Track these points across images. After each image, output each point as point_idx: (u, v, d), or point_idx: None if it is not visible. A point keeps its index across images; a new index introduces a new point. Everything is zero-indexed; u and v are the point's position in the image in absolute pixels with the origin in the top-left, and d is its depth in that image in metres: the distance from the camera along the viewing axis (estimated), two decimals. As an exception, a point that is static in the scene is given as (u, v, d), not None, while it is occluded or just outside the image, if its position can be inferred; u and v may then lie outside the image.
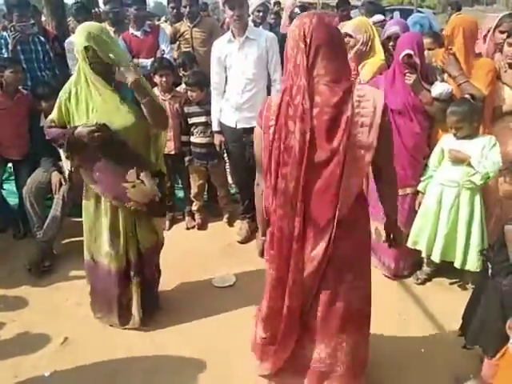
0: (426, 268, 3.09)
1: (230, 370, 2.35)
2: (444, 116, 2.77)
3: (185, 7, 4.48)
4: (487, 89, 2.81)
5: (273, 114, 1.71)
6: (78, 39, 2.31)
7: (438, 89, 2.86)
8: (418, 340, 2.57)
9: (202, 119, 3.68)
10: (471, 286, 2.84)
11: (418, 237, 2.95)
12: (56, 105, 2.49)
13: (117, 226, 2.54)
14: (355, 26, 3.14)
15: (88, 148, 2.36)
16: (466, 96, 2.79)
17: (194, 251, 3.55)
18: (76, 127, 2.36)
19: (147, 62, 4.07)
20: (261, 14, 4.58)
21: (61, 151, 2.56)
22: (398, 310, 2.81)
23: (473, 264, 2.73)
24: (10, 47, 3.94)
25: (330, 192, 1.69)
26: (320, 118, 1.63)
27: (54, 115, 2.50)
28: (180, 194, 4.18)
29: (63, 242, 3.67)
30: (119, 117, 2.38)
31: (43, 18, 5.24)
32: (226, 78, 3.44)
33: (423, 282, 3.08)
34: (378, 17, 4.34)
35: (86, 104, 2.38)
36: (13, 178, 4.01)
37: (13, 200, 3.95)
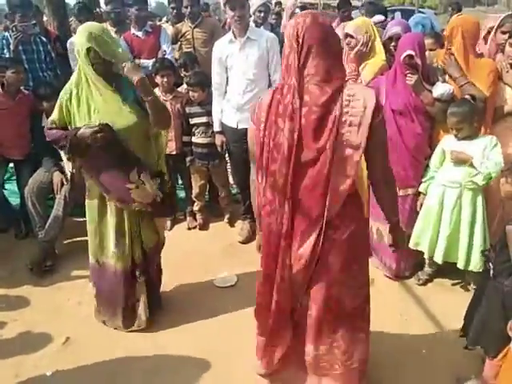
0: (427, 269, 3.09)
1: (231, 370, 2.35)
2: (445, 117, 2.77)
3: (186, 7, 4.48)
4: (489, 90, 2.81)
5: (264, 111, 1.74)
6: (79, 40, 2.32)
7: (440, 89, 2.86)
8: (419, 340, 2.57)
9: (204, 119, 3.68)
10: (473, 287, 2.84)
11: (419, 238, 2.95)
12: (56, 106, 2.47)
13: (122, 226, 2.54)
14: (356, 26, 3.14)
15: (90, 149, 2.36)
16: (466, 97, 2.80)
17: (195, 251, 3.55)
18: (78, 128, 2.35)
19: (148, 63, 4.07)
20: (262, 14, 4.58)
21: (62, 153, 2.55)
22: (399, 311, 2.81)
23: (476, 264, 2.73)
24: (11, 47, 3.95)
25: (318, 191, 1.70)
26: (308, 117, 1.65)
27: (54, 116, 2.48)
28: (181, 194, 4.18)
29: (65, 241, 3.67)
30: (121, 117, 2.38)
31: (45, 19, 5.25)
32: (227, 78, 3.45)
33: (424, 283, 3.08)
34: (379, 17, 4.34)
35: (88, 105, 2.38)
36: (14, 178, 4.02)
37: (14, 200, 3.96)
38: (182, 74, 3.92)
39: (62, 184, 3.39)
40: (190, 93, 3.66)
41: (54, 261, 3.39)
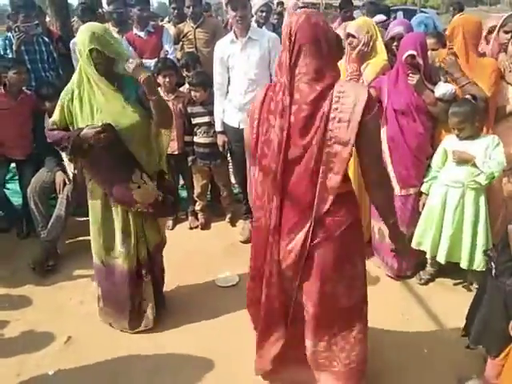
0: (429, 268, 3.08)
1: (232, 370, 2.35)
2: (447, 116, 2.77)
3: (188, 8, 4.49)
4: (490, 89, 2.81)
5: (257, 108, 1.78)
6: (81, 40, 2.31)
7: (442, 89, 2.85)
8: (420, 340, 2.56)
9: (206, 119, 3.69)
10: (475, 287, 2.84)
11: (422, 237, 2.95)
12: (57, 107, 2.46)
13: (128, 226, 2.53)
14: (358, 26, 3.14)
15: (93, 150, 2.36)
16: (467, 96, 2.80)
17: (197, 251, 3.56)
18: (81, 129, 2.35)
19: (151, 63, 4.07)
20: (264, 14, 4.58)
21: (63, 154, 2.55)
22: (400, 310, 2.81)
23: (479, 264, 2.73)
24: (14, 48, 3.96)
25: (306, 187, 1.72)
26: (298, 115, 1.67)
27: (55, 117, 2.47)
28: (183, 193, 4.19)
29: (67, 241, 3.68)
30: (124, 116, 2.39)
31: (47, 19, 5.26)
32: (229, 78, 3.45)
33: (426, 283, 3.07)
34: (380, 17, 4.33)
35: (90, 105, 2.38)
36: (17, 177, 4.03)
37: (17, 200, 3.97)
38: (183, 74, 3.93)
39: (65, 184, 3.40)
40: (192, 93, 3.67)
41: (56, 260, 3.40)
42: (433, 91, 2.88)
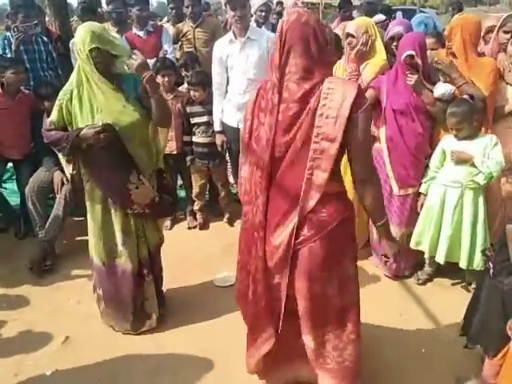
0: (427, 268, 3.08)
1: (232, 370, 2.35)
2: (446, 116, 2.77)
3: (187, 7, 4.49)
4: (488, 89, 2.81)
5: (249, 107, 1.81)
6: (81, 40, 2.29)
7: (441, 89, 2.85)
8: (418, 340, 2.56)
9: (204, 119, 3.69)
10: (473, 287, 2.83)
11: (420, 237, 2.94)
12: (55, 107, 2.44)
13: (128, 226, 2.52)
14: (357, 26, 3.13)
15: (92, 150, 2.35)
16: (465, 96, 2.80)
17: (195, 251, 3.55)
18: (80, 129, 2.33)
19: (150, 62, 4.07)
20: (263, 13, 4.59)
21: (60, 155, 2.53)
22: (398, 310, 2.81)
23: (478, 263, 2.72)
24: (13, 47, 3.95)
25: (292, 184, 1.72)
26: (286, 113, 1.68)
27: (53, 117, 2.45)
28: (182, 193, 4.18)
29: (65, 241, 3.68)
30: (125, 115, 2.38)
31: (46, 18, 5.26)
32: (228, 78, 3.45)
33: (424, 283, 3.07)
34: (379, 17, 4.33)
35: (91, 104, 2.37)
36: (14, 177, 4.03)
37: (14, 200, 3.97)
38: (182, 74, 3.93)
39: (63, 183, 3.40)
40: (191, 92, 3.66)
41: (54, 260, 3.40)
42: (432, 91, 2.88)
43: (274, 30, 4.70)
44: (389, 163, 2.99)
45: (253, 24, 4.12)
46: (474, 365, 2.30)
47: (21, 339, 2.66)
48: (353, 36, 3.12)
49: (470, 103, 2.72)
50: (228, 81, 3.46)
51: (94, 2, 5.25)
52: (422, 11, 10.83)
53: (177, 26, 4.62)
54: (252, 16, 4.34)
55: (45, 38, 4.27)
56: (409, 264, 3.14)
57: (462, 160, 2.72)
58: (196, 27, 4.45)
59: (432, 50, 3.15)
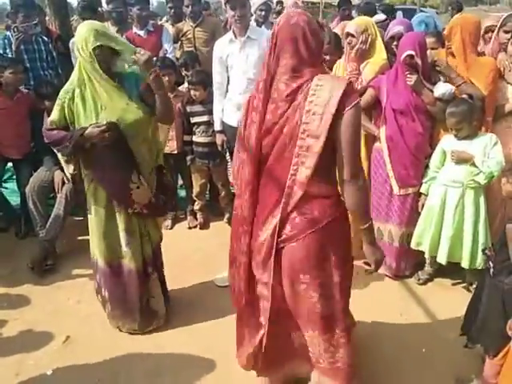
0: (427, 268, 3.08)
1: (232, 369, 2.34)
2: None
3: (187, 7, 4.49)
4: (488, 88, 2.82)
5: (244, 106, 1.84)
6: (84, 38, 2.27)
7: (441, 89, 2.85)
8: (419, 339, 2.56)
9: (204, 118, 3.68)
10: (473, 287, 2.83)
11: (421, 238, 2.94)
12: (56, 106, 2.42)
13: (131, 225, 2.52)
14: (357, 25, 3.13)
15: (95, 149, 2.35)
16: (464, 96, 2.80)
17: (195, 250, 3.56)
18: (84, 128, 2.32)
19: (150, 62, 4.07)
20: (263, 13, 4.57)
21: (59, 155, 2.53)
22: (399, 310, 2.81)
23: (481, 262, 2.72)
24: (13, 47, 3.95)
25: (278, 180, 1.73)
26: (275, 112, 1.69)
27: (54, 117, 2.43)
28: (182, 193, 4.19)
29: (66, 241, 3.67)
30: (129, 113, 2.38)
31: (46, 18, 5.25)
32: (228, 77, 3.45)
33: (425, 283, 3.08)
34: (379, 16, 4.33)
35: (94, 103, 2.36)
36: (15, 177, 4.03)
37: (15, 199, 3.97)
38: (182, 74, 3.92)
39: (63, 183, 3.40)
40: (192, 91, 3.66)
41: (55, 260, 3.40)
42: (432, 91, 2.88)
43: (274, 29, 4.69)
44: (389, 163, 2.99)
45: (253, 23, 4.11)
46: (475, 365, 2.30)
47: (21, 339, 2.67)
48: (352, 35, 3.11)
49: (469, 103, 2.72)
50: (228, 80, 3.46)
51: (94, 1, 5.25)
52: (422, 11, 10.83)
53: (177, 26, 4.62)
54: (252, 15, 4.33)
55: (45, 38, 4.26)
56: (409, 264, 3.15)
57: (463, 160, 2.72)
58: (196, 26, 4.45)
59: (432, 49, 3.15)
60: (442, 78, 2.95)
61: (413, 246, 2.99)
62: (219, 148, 3.65)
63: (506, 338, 1.84)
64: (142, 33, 4.31)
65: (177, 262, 3.20)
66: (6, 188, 4.26)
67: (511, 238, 1.90)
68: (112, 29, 4.31)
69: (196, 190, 3.93)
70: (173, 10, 4.77)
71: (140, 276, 2.58)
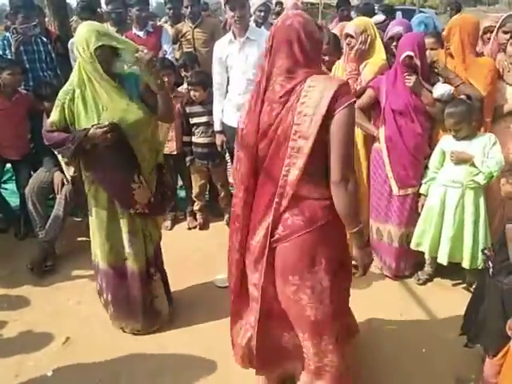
0: (427, 268, 3.09)
1: (233, 370, 2.34)
2: (445, 117, 2.78)
3: (186, 8, 4.49)
4: (486, 89, 2.82)
5: (244, 107, 1.85)
6: (85, 39, 2.26)
7: (440, 90, 2.86)
8: (419, 339, 2.56)
9: (204, 119, 3.69)
10: (473, 287, 2.84)
11: (421, 238, 2.95)
12: (56, 107, 2.41)
13: (134, 225, 2.52)
14: (356, 26, 3.13)
15: (96, 149, 2.35)
16: (462, 97, 2.80)
17: (195, 251, 3.56)
18: (87, 129, 2.31)
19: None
20: (262, 13, 4.58)
21: (60, 157, 2.52)
22: (399, 310, 2.81)
23: (481, 262, 2.72)
24: (13, 49, 3.95)
25: (272, 180, 1.74)
26: (270, 113, 1.70)
27: (54, 118, 2.42)
28: (182, 194, 4.19)
29: (65, 241, 3.67)
30: (131, 113, 2.38)
31: (46, 19, 5.25)
32: (228, 78, 3.45)
33: (424, 283, 3.08)
34: (378, 17, 4.33)
35: (95, 104, 2.36)
36: (14, 178, 4.02)
37: (14, 201, 3.97)
38: (182, 74, 3.93)
39: (63, 184, 3.40)
40: (191, 92, 3.66)
41: (55, 261, 3.40)
42: (431, 92, 2.89)
43: (273, 30, 4.69)
44: (388, 163, 3.00)
45: (252, 24, 4.11)
46: (475, 364, 2.30)
47: (21, 340, 2.66)
48: (352, 36, 3.12)
49: (468, 103, 2.73)
50: (228, 81, 3.46)
51: (93, 1, 5.25)
52: (421, 11, 10.86)
53: (176, 27, 4.62)
54: (251, 16, 4.34)
55: (44, 39, 4.26)
56: (409, 264, 3.15)
57: (462, 160, 2.73)
58: (195, 27, 4.45)
59: (432, 49, 3.16)
60: (440, 78, 2.95)
61: (413, 246, 2.99)
62: (219, 148, 3.66)
63: (506, 338, 1.84)
64: (141, 33, 4.31)
65: (176, 263, 3.20)
66: (6, 189, 4.26)
67: (511, 238, 1.91)
68: (111, 30, 4.30)
69: (195, 190, 3.93)
70: (171, 11, 4.77)
71: (143, 277, 2.58)
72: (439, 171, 2.89)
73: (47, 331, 2.72)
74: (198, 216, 3.97)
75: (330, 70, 3.31)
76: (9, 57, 3.93)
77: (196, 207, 3.97)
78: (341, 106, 1.59)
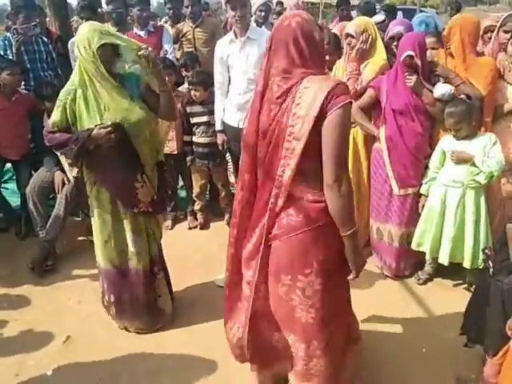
0: (427, 268, 3.08)
1: (233, 370, 2.35)
2: (446, 117, 2.77)
3: (187, 7, 4.49)
4: (486, 88, 2.82)
5: (248, 108, 1.86)
6: (87, 39, 2.25)
7: (441, 89, 2.86)
8: (419, 339, 2.56)
9: (204, 119, 3.69)
10: (473, 287, 2.84)
11: (422, 238, 2.94)
12: (57, 108, 2.40)
13: (138, 225, 2.53)
14: (356, 25, 3.14)
15: (99, 150, 2.35)
16: (462, 96, 2.80)
17: (195, 251, 3.56)
18: (90, 130, 2.31)
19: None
20: (263, 13, 4.58)
21: (62, 158, 2.52)
22: (399, 310, 2.81)
23: (482, 262, 2.72)
24: (13, 49, 3.96)
25: (270, 181, 1.75)
26: (268, 114, 1.71)
27: (56, 118, 2.40)
28: (182, 193, 4.19)
29: (66, 241, 3.67)
30: (133, 113, 2.39)
31: (47, 19, 5.26)
32: (229, 77, 3.45)
33: (424, 282, 3.08)
34: (378, 17, 4.33)
35: (97, 104, 2.35)
36: (15, 177, 4.03)
37: (15, 200, 3.97)
38: (182, 74, 3.93)
39: (64, 183, 3.40)
40: (192, 92, 3.66)
41: (55, 260, 3.40)
42: (431, 91, 2.88)
43: (274, 30, 4.69)
44: (389, 163, 3.00)
45: (252, 24, 4.11)
46: (475, 364, 2.30)
47: (22, 339, 2.67)
48: (352, 36, 3.12)
49: (468, 103, 2.73)
50: (229, 80, 3.47)
51: (93, 1, 5.25)
52: (422, 11, 10.86)
53: (176, 26, 4.63)
54: (252, 16, 4.34)
55: (45, 39, 4.27)
56: (409, 264, 3.15)
57: (463, 160, 2.73)
58: (196, 27, 4.45)
59: (432, 49, 3.16)
60: (441, 78, 2.95)
61: (413, 246, 2.99)
62: (220, 147, 3.66)
63: (506, 338, 1.84)
64: (142, 33, 4.32)
65: (177, 263, 3.19)
66: (7, 189, 4.26)
67: (511, 238, 1.91)
68: (112, 29, 4.31)
69: (196, 190, 3.94)
70: (172, 11, 4.78)
71: (147, 276, 2.59)
72: (440, 171, 2.89)
73: (48, 330, 2.72)
74: (199, 216, 3.98)
75: (330, 69, 3.31)
76: (10, 57, 3.93)
77: (196, 207, 3.98)
78: (334, 106, 1.57)
